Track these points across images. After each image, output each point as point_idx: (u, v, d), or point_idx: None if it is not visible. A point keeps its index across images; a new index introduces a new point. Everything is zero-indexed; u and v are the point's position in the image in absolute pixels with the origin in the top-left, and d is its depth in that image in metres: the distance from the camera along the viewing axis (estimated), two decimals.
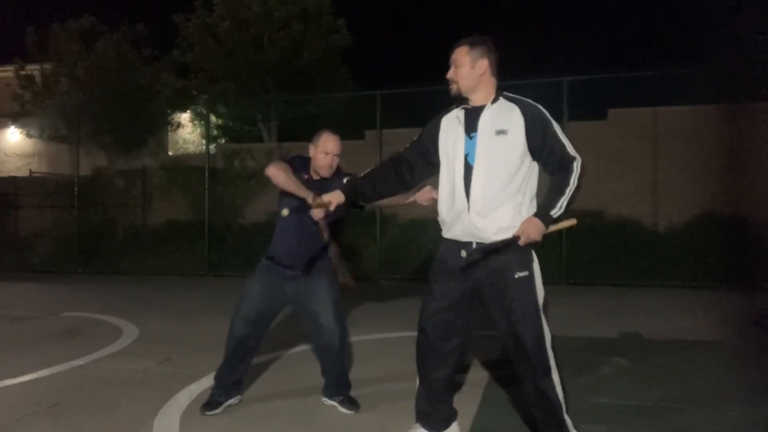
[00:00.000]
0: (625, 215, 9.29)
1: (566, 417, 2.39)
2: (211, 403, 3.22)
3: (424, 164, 2.65)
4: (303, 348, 4.69)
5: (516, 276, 2.40)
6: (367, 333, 5.24)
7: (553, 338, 2.47)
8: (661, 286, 8.12)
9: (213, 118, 14.67)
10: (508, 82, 8.90)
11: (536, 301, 2.42)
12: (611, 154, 9.64)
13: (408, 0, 36.93)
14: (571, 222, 2.45)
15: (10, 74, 16.13)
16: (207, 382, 3.79)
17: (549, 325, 2.47)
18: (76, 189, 12.15)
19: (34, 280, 10.42)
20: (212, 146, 13.04)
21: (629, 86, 9.25)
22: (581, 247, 8.76)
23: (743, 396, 3.35)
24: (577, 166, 2.38)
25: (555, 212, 2.35)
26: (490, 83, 2.49)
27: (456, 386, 2.74)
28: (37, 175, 15.56)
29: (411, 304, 6.98)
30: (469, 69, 2.45)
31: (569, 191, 2.36)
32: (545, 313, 2.44)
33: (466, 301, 2.53)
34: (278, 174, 3.01)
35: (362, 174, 2.83)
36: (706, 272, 8.06)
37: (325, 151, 3.13)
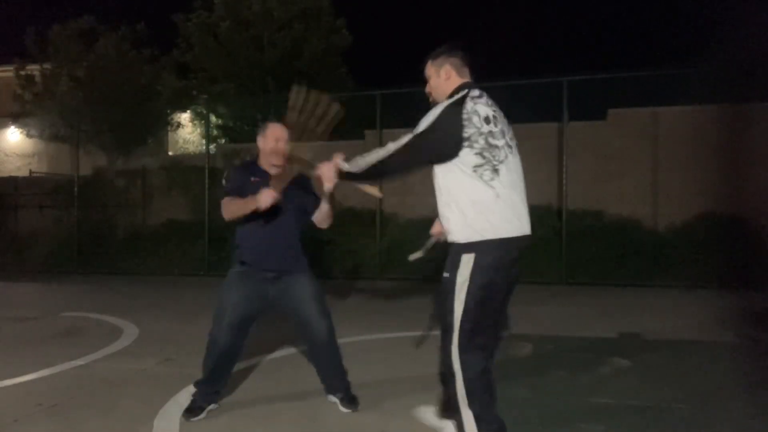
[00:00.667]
0: (625, 215, 9.29)
1: (466, 411, 2.37)
2: (194, 408, 3.17)
3: None
4: (303, 348, 4.69)
5: (443, 274, 2.44)
6: (367, 333, 5.24)
7: (468, 346, 2.39)
8: (661, 286, 8.12)
9: (213, 118, 14.66)
10: (509, 82, 8.99)
11: (451, 304, 2.38)
12: (611, 154, 9.65)
13: (408, 0, 36.93)
14: (373, 190, 2.63)
15: (10, 74, 16.12)
16: None
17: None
18: (76, 189, 12.16)
19: (34, 280, 10.43)
20: (212, 146, 13.04)
21: (629, 86, 9.25)
22: (581, 247, 8.76)
23: (743, 396, 3.36)
24: (400, 141, 2.37)
25: (350, 167, 2.44)
26: (456, 84, 2.55)
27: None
28: (37, 175, 15.56)
29: (411, 304, 7.01)
30: (436, 78, 2.58)
31: (375, 156, 2.39)
32: (463, 317, 2.36)
33: None
34: (229, 211, 3.09)
35: None
36: (706, 272, 8.06)
37: (276, 138, 3.17)
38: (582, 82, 8.96)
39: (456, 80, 2.54)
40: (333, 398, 3.31)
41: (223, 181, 3.32)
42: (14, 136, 18.71)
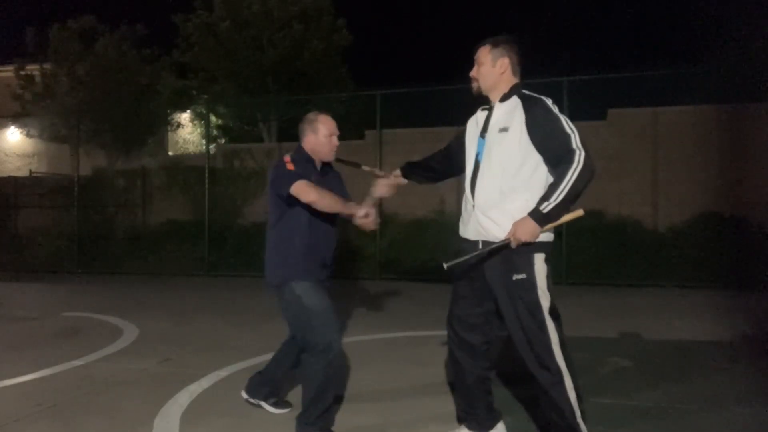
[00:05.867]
0: (625, 215, 9.29)
1: (579, 422, 2.36)
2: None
3: (460, 163, 2.72)
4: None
5: (514, 278, 2.40)
6: (367, 333, 5.24)
7: (565, 342, 2.42)
8: (661, 286, 8.11)
9: (213, 118, 14.65)
10: None
11: (537, 304, 2.38)
12: (611, 154, 9.64)
13: (408, 0, 36.91)
14: (577, 213, 2.41)
15: (10, 74, 16.10)
16: (207, 382, 3.79)
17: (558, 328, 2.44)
18: (76, 189, 12.15)
19: (34, 280, 10.42)
20: (212, 146, 13.04)
21: (629, 86, 9.25)
22: (581, 247, 8.76)
23: (743, 396, 3.35)
24: (577, 159, 2.30)
25: (546, 207, 2.29)
26: (509, 82, 2.53)
27: (488, 385, 2.70)
28: (37, 175, 15.54)
29: (411, 304, 7.01)
30: (490, 67, 2.51)
31: (564, 184, 2.29)
32: (554, 316, 2.40)
33: (482, 298, 2.55)
34: (325, 203, 2.71)
35: (420, 159, 3.00)
36: (706, 272, 8.05)
37: (330, 133, 2.91)
38: (582, 82, 8.96)
39: (509, 77, 2.51)
40: (265, 403, 3.23)
41: (288, 164, 2.83)
42: (14, 136, 18.68)
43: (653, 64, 9.77)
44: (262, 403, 3.26)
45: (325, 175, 2.99)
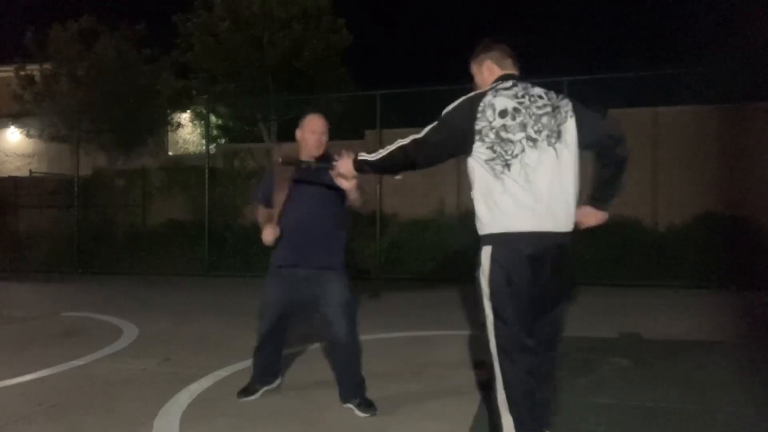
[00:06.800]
0: (625, 215, 9.29)
1: (506, 416, 2.30)
2: (248, 389, 3.48)
3: None
4: (303, 347, 4.69)
5: (475, 275, 2.39)
6: (367, 333, 5.23)
7: (500, 349, 2.30)
8: (661, 286, 8.12)
9: (213, 118, 14.65)
10: None
11: (480, 302, 2.33)
12: None
13: (408, 0, 36.93)
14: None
15: (10, 74, 16.10)
16: (207, 382, 3.80)
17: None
18: (76, 189, 12.16)
19: (34, 280, 10.42)
20: (212, 146, 13.04)
21: (629, 86, 9.25)
22: (581, 247, 8.76)
23: (743, 396, 3.36)
24: (414, 135, 2.42)
25: (368, 156, 2.46)
26: (497, 77, 2.48)
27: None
28: (37, 175, 15.54)
29: (411, 304, 7.01)
30: (481, 76, 2.55)
31: (392, 146, 2.44)
32: (494, 317, 2.29)
33: None
34: (258, 219, 3.35)
35: None
36: (706, 272, 8.06)
37: (312, 130, 3.25)
38: (582, 82, 8.96)
39: (498, 72, 2.48)
40: (347, 405, 3.26)
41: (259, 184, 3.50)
42: (14, 136, 18.70)
43: (653, 64, 9.78)
44: (351, 406, 3.22)
45: (320, 165, 3.06)
